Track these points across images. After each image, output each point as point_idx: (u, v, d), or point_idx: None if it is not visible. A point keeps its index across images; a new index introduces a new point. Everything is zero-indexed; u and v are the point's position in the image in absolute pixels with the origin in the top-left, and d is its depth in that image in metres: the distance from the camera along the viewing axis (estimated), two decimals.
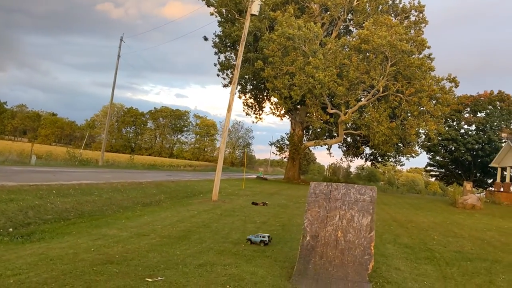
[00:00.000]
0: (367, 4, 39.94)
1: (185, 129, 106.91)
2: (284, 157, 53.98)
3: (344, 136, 42.18)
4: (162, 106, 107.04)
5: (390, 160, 50.70)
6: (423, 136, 41.57)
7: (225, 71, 45.31)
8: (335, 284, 6.38)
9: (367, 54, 33.56)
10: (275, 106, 45.68)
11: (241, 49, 19.45)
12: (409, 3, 41.00)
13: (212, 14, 41.55)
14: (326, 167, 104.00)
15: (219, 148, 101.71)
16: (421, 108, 34.43)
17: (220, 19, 42.56)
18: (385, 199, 27.96)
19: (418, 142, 42.03)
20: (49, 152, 35.12)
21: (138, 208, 15.00)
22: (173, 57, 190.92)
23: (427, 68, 33.62)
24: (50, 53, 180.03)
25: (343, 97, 34.56)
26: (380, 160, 51.79)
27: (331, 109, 37.14)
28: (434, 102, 34.80)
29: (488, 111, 53.33)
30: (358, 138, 44.77)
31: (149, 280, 6.07)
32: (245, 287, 6.13)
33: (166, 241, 9.19)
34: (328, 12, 40.94)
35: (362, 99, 36.51)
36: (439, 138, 43.13)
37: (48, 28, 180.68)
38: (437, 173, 62.27)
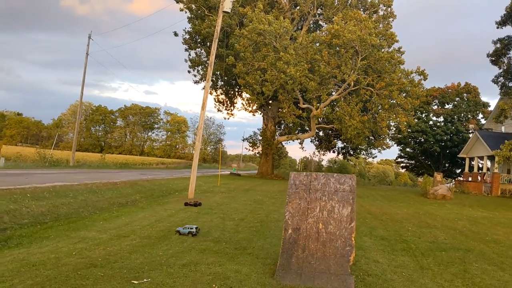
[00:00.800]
0: None
1: (156, 126, 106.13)
2: (257, 153, 54.25)
3: (317, 130, 42.69)
4: (132, 104, 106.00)
5: (362, 153, 51.59)
6: (394, 129, 42.49)
7: (196, 67, 45.15)
8: (318, 278, 6.56)
9: (338, 49, 34.02)
10: (247, 102, 45.86)
11: (214, 46, 19.47)
12: None
13: (182, 10, 41.30)
14: (298, 161, 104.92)
15: (190, 144, 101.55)
16: (392, 101, 35.16)
17: (190, 15, 42.35)
18: (358, 192, 28.49)
19: (389, 135, 42.90)
20: (18, 154, 34.31)
21: (115, 208, 14.91)
22: (141, 53, 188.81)
23: (396, 61, 34.32)
24: (12, 50, 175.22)
25: (314, 92, 34.98)
26: (352, 153, 52.62)
27: (303, 104, 37.53)
28: (404, 95, 35.59)
29: (455, 102, 54.97)
30: (330, 132, 45.40)
31: (135, 282, 6.12)
32: (231, 285, 6.26)
33: (147, 241, 9.22)
34: (298, 7, 41.27)
35: (334, 94, 37.02)
36: (409, 130, 44.19)
37: (8, 24, 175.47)
38: (407, 164, 63.79)
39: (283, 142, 51.94)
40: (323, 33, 37.08)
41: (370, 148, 47.54)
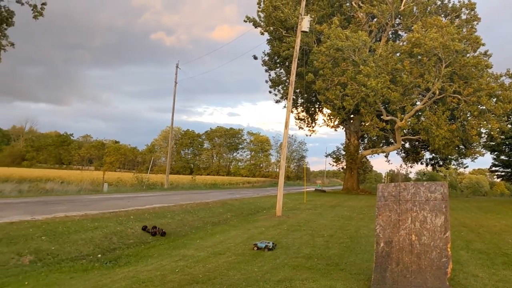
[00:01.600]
0: (414, 7, 39.26)
1: (240, 146, 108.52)
2: (341, 168, 53.49)
3: (402, 142, 41.27)
4: (217, 126, 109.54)
5: (452, 163, 48.89)
6: (486, 136, 39.91)
7: (276, 87, 45.88)
8: None
9: (420, 57, 32.91)
10: (328, 118, 45.60)
11: (294, 65, 19.76)
12: (459, 1, 39.92)
13: (262, 33, 42.35)
14: (383, 175, 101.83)
15: (274, 163, 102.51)
16: (481, 107, 33.18)
17: (268, 38, 43.28)
18: (451, 204, 27.07)
19: (480, 143, 40.35)
20: (118, 179, 36.86)
21: (209, 227, 15.53)
22: (224, 77, 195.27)
23: (483, 66, 32.47)
24: (109, 84, 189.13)
25: (398, 103, 33.98)
26: (441, 164, 50.10)
27: (387, 116, 36.57)
28: (494, 100, 33.45)
29: None
30: (417, 143, 43.68)
31: None
32: None
33: (242, 258, 9.52)
34: (375, 19, 40.61)
35: (418, 103, 35.71)
36: (502, 137, 41.28)
37: (105, 60, 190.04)
38: (502, 173, 59.38)
39: (368, 156, 50.79)
40: (403, 43, 36.10)
41: (461, 158, 44.93)
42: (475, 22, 38.72)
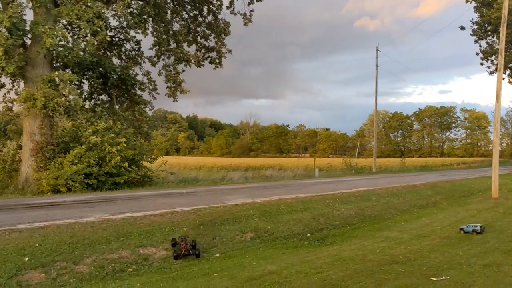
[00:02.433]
0: None
1: (453, 125, 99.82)
2: None
3: None
4: (426, 106, 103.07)
5: None
6: None
7: (488, 58, 40.78)
8: None
9: None
10: None
11: (502, 31, 17.44)
12: None
13: (467, 1, 38.20)
14: None
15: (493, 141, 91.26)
16: None
17: (476, 5, 38.73)
18: None
19: None
20: (328, 164, 38.18)
21: (415, 210, 15.03)
22: (431, 54, 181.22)
23: None
24: (318, 75, 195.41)
25: None
26: None
27: None
28: None
29: None
30: None
31: (434, 279, 6.19)
32: None
33: (447, 241, 9.06)
34: None
35: None
36: None
37: (313, 53, 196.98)
38: None
39: None
40: None
41: None
42: None
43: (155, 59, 22.13)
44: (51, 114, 16.87)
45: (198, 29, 23.42)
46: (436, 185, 21.13)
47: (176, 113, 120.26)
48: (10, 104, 18.89)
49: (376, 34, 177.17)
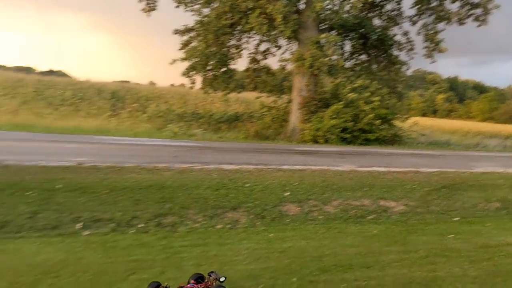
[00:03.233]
0: None
1: None
2: None
3: None
4: None
5: None
6: None
7: None
8: None
9: None
10: None
11: None
12: None
13: None
14: None
15: None
16: None
17: None
18: None
19: None
20: None
21: None
22: None
23: None
24: None
25: None
26: None
27: None
28: None
29: None
30: None
31: None
32: None
33: None
34: None
35: None
36: None
37: None
38: None
39: None
40: None
41: None
42: None
43: (415, 18, 21.29)
44: (316, 73, 18.50)
45: None
46: None
47: (435, 74, 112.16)
48: (284, 63, 21.43)
49: None
